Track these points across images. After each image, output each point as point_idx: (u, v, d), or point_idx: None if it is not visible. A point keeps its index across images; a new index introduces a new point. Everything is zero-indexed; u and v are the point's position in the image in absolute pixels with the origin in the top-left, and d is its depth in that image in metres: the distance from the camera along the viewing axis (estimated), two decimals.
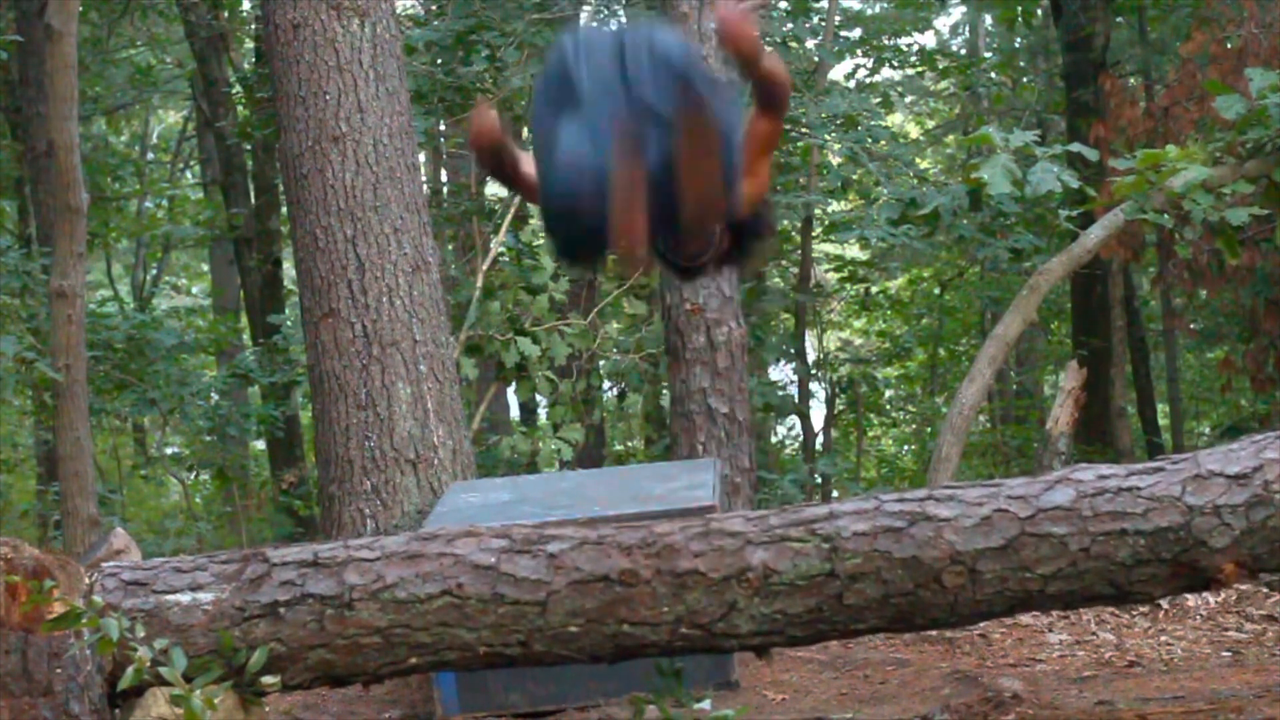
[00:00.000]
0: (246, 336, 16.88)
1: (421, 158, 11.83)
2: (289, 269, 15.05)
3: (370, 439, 7.45)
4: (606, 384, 13.53)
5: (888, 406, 19.30)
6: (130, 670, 3.91)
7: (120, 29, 16.68)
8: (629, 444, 17.40)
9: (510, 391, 13.21)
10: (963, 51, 18.94)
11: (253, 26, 15.62)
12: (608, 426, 13.14)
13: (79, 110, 8.07)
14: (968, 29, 19.43)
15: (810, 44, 13.96)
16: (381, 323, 7.55)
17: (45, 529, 11.85)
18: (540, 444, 9.98)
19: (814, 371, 16.37)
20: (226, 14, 15.86)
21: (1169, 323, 15.03)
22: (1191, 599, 7.00)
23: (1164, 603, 6.91)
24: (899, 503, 4.16)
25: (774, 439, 18.75)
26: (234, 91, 15.63)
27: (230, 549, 4.78)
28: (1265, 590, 7.23)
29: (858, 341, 19.90)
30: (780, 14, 13.08)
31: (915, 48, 16.29)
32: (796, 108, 12.53)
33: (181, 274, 23.47)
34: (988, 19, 18.15)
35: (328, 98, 7.68)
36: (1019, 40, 17.14)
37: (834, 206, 15.35)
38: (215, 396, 13.32)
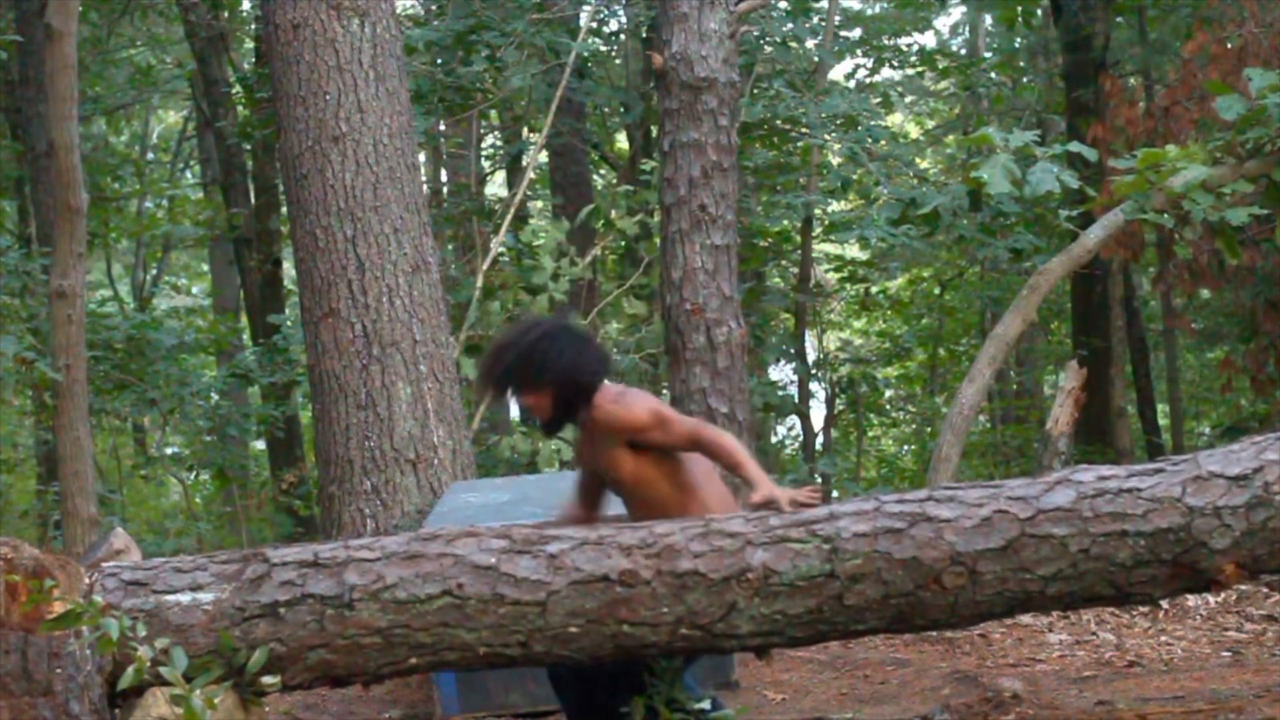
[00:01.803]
0: (246, 336, 16.88)
1: (421, 158, 11.84)
2: (289, 269, 15.05)
3: (370, 439, 7.45)
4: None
5: (888, 406, 19.31)
6: (130, 670, 3.91)
7: (120, 29, 16.69)
8: None
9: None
10: (963, 51, 18.95)
11: (253, 26, 15.63)
12: None
13: (79, 110, 8.06)
14: (968, 29, 19.44)
15: (810, 44, 13.97)
16: (381, 323, 7.55)
17: (45, 529, 11.85)
18: (540, 444, 9.98)
19: (814, 371, 16.37)
20: (226, 14, 15.87)
21: (1169, 323, 15.03)
22: (1191, 599, 7.01)
23: (1164, 603, 6.91)
24: (899, 503, 4.15)
25: (774, 439, 18.76)
26: (234, 91, 15.63)
27: (230, 549, 4.78)
28: (1265, 590, 7.23)
29: (858, 341, 19.91)
30: (780, 14, 13.09)
31: (915, 48, 16.30)
32: (796, 108, 12.55)
33: (181, 274, 23.47)
34: (988, 19, 18.16)
35: (328, 98, 7.68)
36: (1019, 40, 17.14)
37: (834, 206, 15.36)
38: (215, 396, 13.33)
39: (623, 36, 14.81)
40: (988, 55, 17.86)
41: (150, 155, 21.45)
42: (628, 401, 4.32)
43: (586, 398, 4.29)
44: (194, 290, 23.24)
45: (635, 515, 4.37)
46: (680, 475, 4.33)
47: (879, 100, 14.55)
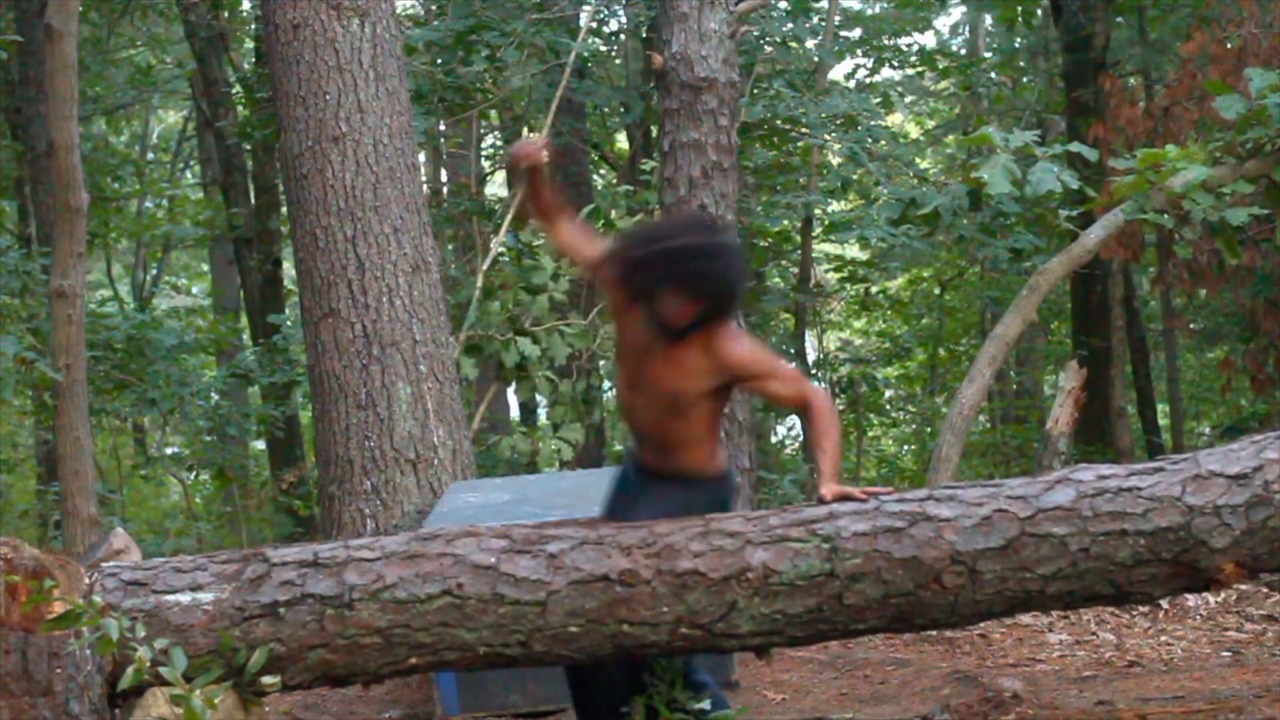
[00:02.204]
0: (246, 336, 16.88)
1: (421, 158, 11.84)
2: (289, 269, 15.05)
3: (370, 439, 7.45)
4: (606, 384, 13.54)
5: (888, 406, 19.30)
6: (130, 670, 3.91)
7: (120, 29, 16.69)
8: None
9: (510, 391, 13.22)
10: (963, 51, 18.95)
11: (253, 26, 15.63)
12: (608, 426, 13.15)
13: (79, 110, 8.06)
14: (968, 29, 19.44)
15: (810, 44, 13.97)
16: (381, 323, 7.55)
17: (45, 529, 11.85)
18: (540, 444, 9.98)
19: (814, 371, 16.37)
20: (226, 14, 15.87)
21: (1169, 323, 15.04)
22: (1191, 599, 7.00)
23: (1164, 603, 6.92)
24: (899, 503, 4.15)
25: (774, 439, 18.76)
26: (234, 91, 15.64)
27: (230, 549, 4.78)
28: (1265, 590, 7.23)
29: (858, 341, 19.91)
30: (780, 14, 13.09)
31: (915, 48, 16.30)
32: (796, 108, 12.54)
33: (181, 274, 23.48)
34: (988, 19, 18.16)
35: (328, 98, 7.68)
36: (1019, 40, 17.14)
37: (834, 206, 15.36)
38: (215, 396, 13.33)
39: (623, 36, 14.81)
40: (988, 55, 17.86)
41: (150, 155, 21.46)
42: (747, 343, 4.30)
43: (718, 324, 4.17)
44: (194, 290, 23.24)
45: (652, 422, 4.32)
46: (716, 423, 4.34)
47: (879, 100, 14.54)
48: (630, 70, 14.77)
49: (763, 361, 4.28)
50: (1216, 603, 7.10)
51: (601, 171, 16.48)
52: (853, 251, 17.56)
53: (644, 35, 13.61)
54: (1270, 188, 7.83)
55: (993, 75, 17.17)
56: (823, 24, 13.76)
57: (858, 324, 20.46)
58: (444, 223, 13.16)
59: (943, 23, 19.67)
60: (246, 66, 15.65)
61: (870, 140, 12.69)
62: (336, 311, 7.56)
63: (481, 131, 15.53)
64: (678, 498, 4.28)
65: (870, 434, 19.47)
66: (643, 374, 4.28)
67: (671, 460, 4.34)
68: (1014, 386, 18.82)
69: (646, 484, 4.37)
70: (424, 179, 10.09)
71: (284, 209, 13.69)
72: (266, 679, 4.07)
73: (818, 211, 14.33)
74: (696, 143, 8.10)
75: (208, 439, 13.62)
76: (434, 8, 14.06)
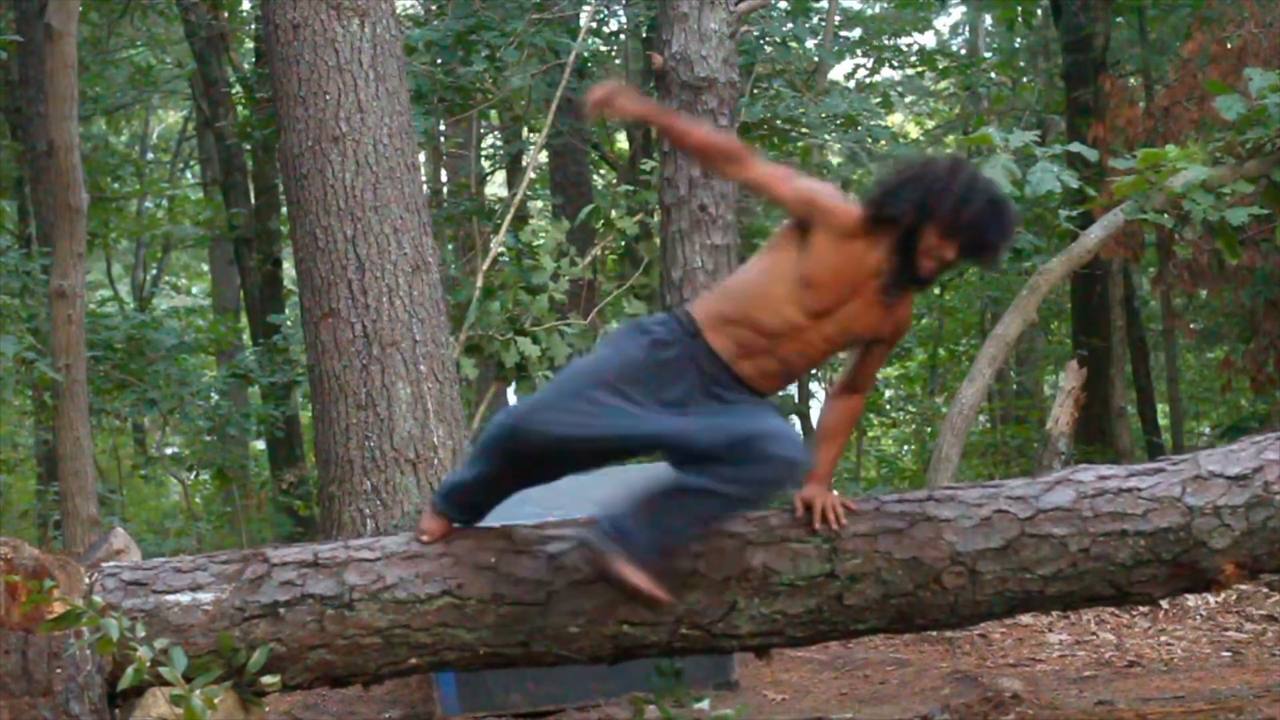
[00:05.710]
0: (246, 336, 16.88)
1: (421, 158, 11.84)
2: (289, 269, 15.05)
3: (370, 439, 7.44)
4: None
5: (888, 406, 19.29)
6: (130, 670, 3.91)
7: (120, 29, 16.69)
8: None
9: (510, 391, 13.22)
10: (963, 51, 18.95)
11: (253, 26, 15.63)
12: None
13: (79, 110, 8.06)
14: (968, 29, 19.44)
15: (810, 44, 13.97)
16: (381, 323, 7.54)
17: (45, 529, 11.85)
18: None
19: (814, 371, 16.36)
20: (226, 14, 15.86)
21: (1169, 323, 15.02)
22: (1191, 599, 7.00)
23: (1164, 603, 6.91)
24: (899, 503, 4.16)
25: None
26: (234, 91, 15.63)
27: (230, 549, 4.78)
28: (1265, 590, 7.23)
29: None
30: (780, 14, 13.09)
31: (915, 48, 16.30)
32: (796, 108, 12.55)
33: (181, 274, 23.48)
34: (988, 19, 18.16)
35: (328, 98, 7.67)
36: (1019, 40, 17.14)
37: None
38: (215, 396, 13.32)
39: (623, 36, 14.81)
40: (988, 55, 17.85)
41: (150, 155, 21.46)
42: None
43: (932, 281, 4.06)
44: (194, 290, 23.25)
45: (813, 355, 4.10)
46: None
47: (879, 100, 14.55)
48: (630, 70, 14.77)
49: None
50: (1216, 603, 7.10)
51: (601, 171, 16.48)
52: None
53: (644, 35, 13.61)
54: (1270, 188, 7.83)
55: (993, 75, 17.16)
56: (823, 24, 13.77)
57: None
58: (444, 223, 13.16)
59: (943, 23, 19.68)
60: (246, 66, 15.64)
61: (870, 140, 12.70)
62: (336, 311, 7.56)
63: (481, 131, 15.54)
64: (777, 418, 4.04)
65: (870, 434, 19.46)
66: (840, 308, 3.98)
67: (780, 387, 4.15)
68: (1014, 386, 18.82)
69: (740, 397, 4.03)
70: (424, 179, 10.08)
71: (284, 209, 13.68)
72: (266, 679, 4.07)
73: None
74: None
75: (208, 439, 13.61)
76: (434, 8, 14.06)
